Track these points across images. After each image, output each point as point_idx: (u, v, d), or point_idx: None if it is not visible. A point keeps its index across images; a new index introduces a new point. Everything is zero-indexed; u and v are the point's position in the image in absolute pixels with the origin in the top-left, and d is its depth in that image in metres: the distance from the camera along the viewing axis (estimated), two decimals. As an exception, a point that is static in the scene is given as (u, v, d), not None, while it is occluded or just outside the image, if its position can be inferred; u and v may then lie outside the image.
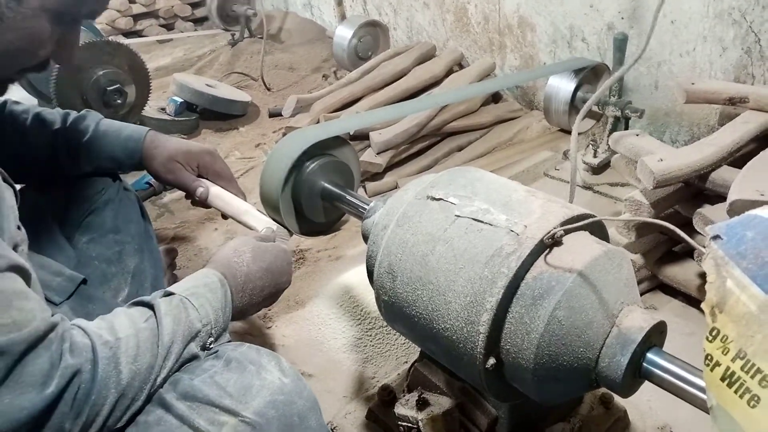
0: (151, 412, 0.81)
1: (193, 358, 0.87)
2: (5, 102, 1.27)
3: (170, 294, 0.90)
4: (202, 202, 1.34)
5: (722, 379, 0.63)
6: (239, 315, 1.02)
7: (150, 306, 0.87)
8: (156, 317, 0.85)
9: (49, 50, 0.92)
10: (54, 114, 1.31)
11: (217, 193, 1.33)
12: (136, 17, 4.04)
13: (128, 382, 0.78)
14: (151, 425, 0.79)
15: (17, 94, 3.06)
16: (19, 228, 0.91)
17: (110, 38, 2.20)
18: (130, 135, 1.32)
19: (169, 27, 4.21)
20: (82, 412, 0.73)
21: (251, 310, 1.05)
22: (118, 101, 2.13)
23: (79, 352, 0.75)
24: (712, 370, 0.64)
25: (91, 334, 0.78)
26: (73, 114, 1.33)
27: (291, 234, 1.28)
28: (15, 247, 0.86)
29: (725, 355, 0.63)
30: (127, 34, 3.97)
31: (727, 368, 0.63)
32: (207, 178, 1.35)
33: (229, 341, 0.95)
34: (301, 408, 0.85)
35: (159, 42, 3.86)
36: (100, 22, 3.86)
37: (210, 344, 0.90)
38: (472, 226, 0.96)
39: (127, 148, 1.32)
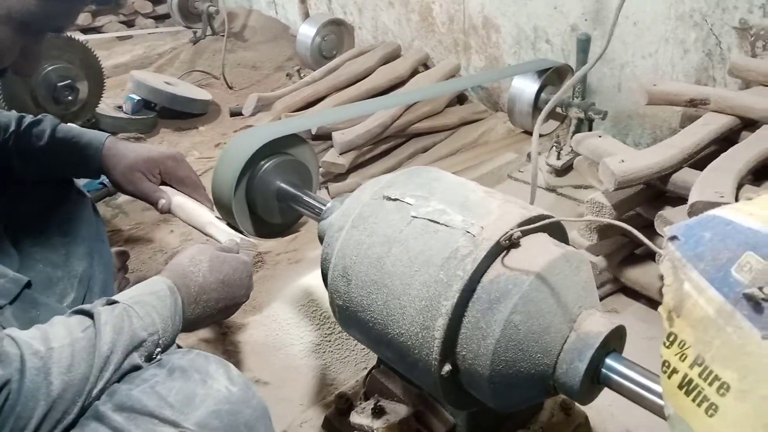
0: (85, 425, 0.76)
1: (136, 368, 0.83)
2: None
3: (114, 302, 0.86)
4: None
5: (680, 387, 0.61)
6: (191, 326, 0.98)
7: (90, 315, 0.83)
8: (95, 326, 0.81)
9: (10, 60, 0.89)
10: (9, 116, 1.26)
11: (179, 203, 1.27)
12: (95, 13, 3.93)
13: (59, 394, 0.73)
14: None
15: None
16: None
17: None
18: (88, 142, 1.27)
19: (129, 24, 4.12)
20: (5, 424, 0.69)
21: (204, 322, 1.01)
22: (69, 98, 2.05)
23: (8, 362, 0.71)
24: (669, 377, 0.62)
25: (20, 344, 0.74)
26: (29, 117, 1.27)
27: (256, 246, 1.22)
28: None
29: (683, 361, 0.61)
30: (86, 30, 3.87)
31: (685, 375, 0.61)
32: (170, 185, 1.29)
33: (179, 348, 0.90)
34: (249, 417, 0.81)
35: (119, 39, 3.77)
36: (57, 18, 3.75)
37: (156, 354, 0.86)
38: (428, 227, 0.92)
39: (85, 157, 1.27)
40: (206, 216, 1.26)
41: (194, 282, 0.97)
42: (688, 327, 0.61)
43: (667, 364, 0.62)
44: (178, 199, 1.28)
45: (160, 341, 0.86)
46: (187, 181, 1.30)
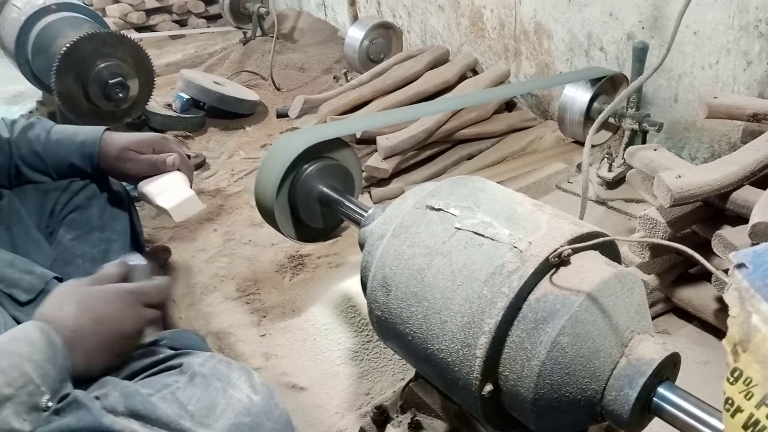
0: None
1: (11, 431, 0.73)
2: None
3: None
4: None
5: (744, 428, 0.56)
6: (85, 373, 0.86)
7: None
8: None
9: None
10: (1, 123, 1.27)
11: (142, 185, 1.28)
12: (149, 12, 4.02)
13: None
14: None
15: (22, 86, 3.05)
16: None
17: (116, 30, 2.15)
18: (84, 140, 1.27)
19: (182, 23, 4.19)
20: None
21: (97, 364, 0.88)
22: (120, 95, 2.08)
23: None
24: (732, 416, 0.57)
25: None
26: (21, 122, 1.28)
27: (151, 267, 1.08)
28: None
29: (748, 400, 0.56)
30: (140, 28, 3.95)
31: (750, 415, 0.56)
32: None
33: (202, 352, 0.88)
34: (270, 431, 0.79)
35: (171, 38, 3.84)
36: (113, 16, 3.84)
37: (47, 402, 0.77)
38: (472, 240, 0.89)
39: (83, 154, 1.27)
40: (152, 193, 1.25)
41: (65, 326, 0.85)
42: (755, 363, 0.56)
43: (730, 401, 0.57)
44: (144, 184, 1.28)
45: (43, 388, 0.77)
46: (181, 158, 1.31)
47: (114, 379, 0.83)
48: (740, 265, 0.59)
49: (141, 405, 0.75)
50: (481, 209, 0.93)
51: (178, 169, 1.30)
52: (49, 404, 0.76)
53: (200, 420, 0.75)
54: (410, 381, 1.14)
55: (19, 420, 0.73)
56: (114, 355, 0.90)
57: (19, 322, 0.86)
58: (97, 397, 0.77)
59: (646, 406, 0.80)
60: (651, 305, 1.45)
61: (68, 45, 1.99)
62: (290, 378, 1.45)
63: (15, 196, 1.23)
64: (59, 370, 0.80)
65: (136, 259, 1.04)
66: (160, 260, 1.72)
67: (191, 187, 1.32)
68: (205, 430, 0.74)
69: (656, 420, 0.82)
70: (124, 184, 1.41)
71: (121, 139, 1.28)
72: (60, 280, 1.12)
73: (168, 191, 1.21)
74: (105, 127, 1.30)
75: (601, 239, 0.84)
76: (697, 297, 1.43)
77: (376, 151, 2.18)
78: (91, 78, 2.03)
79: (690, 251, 0.72)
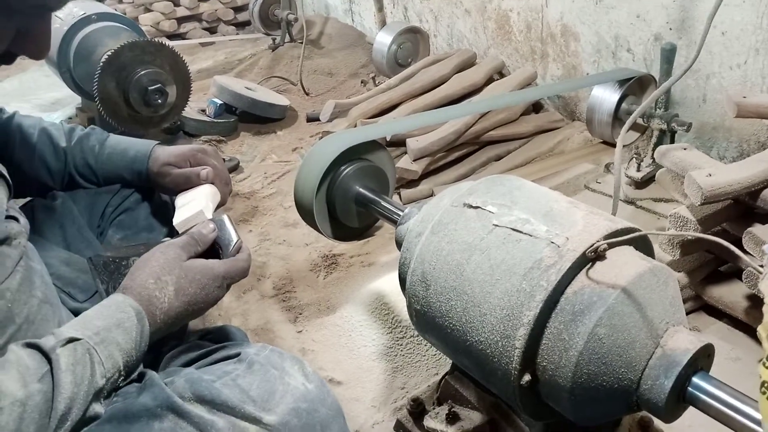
0: (162, 417, 0.77)
1: (95, 418, 0.77)
2: (14, 113, 1.27)
3: (75, 339, 0.79)
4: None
5: (779, 410, 0.59)
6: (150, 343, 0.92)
7: (48, 357, 0.75)
8: (53, 374, 0.74)
9: (5, 44, 0.86)
10: (59, 130, 1.30)
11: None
12: (180, 20, 4.11)
13: None
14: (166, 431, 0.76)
15: (59, 93, 3.14)
16: (16, 220, 0.88)
17: (153, 39, 2.22)
18: (135, 156, 1.30)
19: (212, 30, 4.28)
20: None
21: (164, 336, 0.95)
22: (159, 101, 2.15)
23: None
24: None
25: None
26: (78, 131, 1.31)
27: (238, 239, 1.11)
28: (6, 240, 0.84)
29: (783, 383, 0.59)
30: (171, 36, 4.04)
31: (785, 398, 0.59)
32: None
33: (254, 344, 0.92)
34: (324, 417, 0.83)
35: (201, 45, 3.92)
36: (145, 24, 3.94)
37: (120, 384, 0.83)
38: (510, 236, 0.92)
39: (133, 170, 1.30)
40: (192, 199, 1.22)
41: (159, 309, 0.90)
42: (788, 348, 0.59)
43: (766, 384, 0.60)
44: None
45: (121, 378, 0.83)
46: (216, 171, 1.30)
47: (177, 368, 0.88)
48: (773, 256, 0.62)
49: (207, 390, 0.79)
50: (518, 206, 0.97)
51: (212, 182, 1.32)
52: (121, 385, 0.82)
53: (262, 405, 0.79)
54: (446, 374, 1.18)
55: (102, 407, 0.79)
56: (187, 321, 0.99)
57: (77, 314, 0.91)
58: (164, 383, 0.82)
59: (681, 396, 0.82)
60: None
61: (110, 53, 2.07)
62: (327, 372, 1.49)
63: (68, 197, 1.28)
64: (140, 356, 0.86)
65: (223, 217, 1.10)
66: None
67: (228, 196, 1.34)
68: (267, 414, 0.78)
69: (689, 413, 0.84)
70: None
71: (163, 153, 1.30)
72: None
73: (189, 204, 1.24)
74: (156, 142, 1.33)
75: (636, 234, 0.87)
76: (728, 294, 1.45)
77: (406, 153, 2.22)
78: (132, 85, 2.11)
79: (725, 243, 0.75)
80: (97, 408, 0.77)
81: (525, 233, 0.91)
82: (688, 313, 1.52)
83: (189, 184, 1.27)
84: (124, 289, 0.91)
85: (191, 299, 0.93)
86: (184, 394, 0.79)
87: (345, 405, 1.41)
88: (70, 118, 2.84)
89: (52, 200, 1.27)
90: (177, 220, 1.13)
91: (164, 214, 1.40)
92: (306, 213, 1.44)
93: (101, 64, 2.06)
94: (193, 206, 1.17)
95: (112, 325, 0.83)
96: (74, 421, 0.73)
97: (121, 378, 0.83)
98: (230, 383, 0.81)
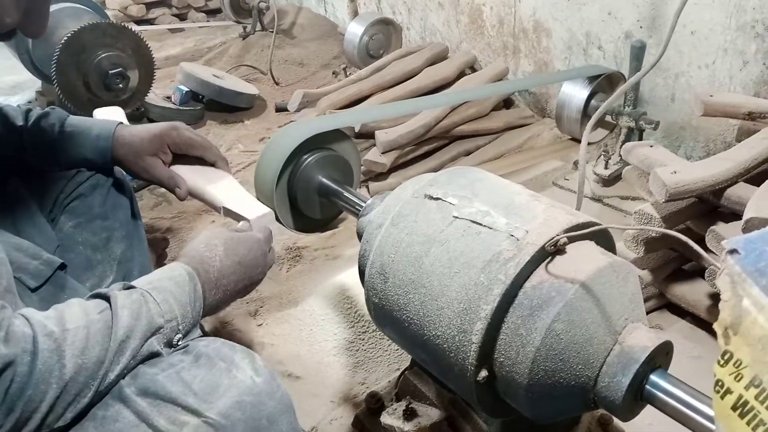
0: (109, 406, 0.77)
1: (155, 355, 0.82)
2: None
3: (130, 287, 0.85)
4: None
5: (733, 408, 0.57)
6: (212, 311, 0.98)
7: (107, 298, 0.82)
8: (112, 310, 0.80)
9: (14, 19, 0.88)
10: (16, 110, 1.25)
11: (195, 188, 1.28)
12: (149, 5, 4.03)
13: (72, 377, 0.72)
14: (109, 420, 0.74)
15: (20, 76, 3.05)
16: None
17: (116, 22, 2.15)
18: (99, 134, 1.26)
19: (181, 17, 4.20)
20: (15, 407, 0.68)
21: (224, 305, 1.01)
22: (120, 85, 2.09)
23: (16, 342, 0.69)
24: (722, 397, 0.58)
25: (34, 324, 0.72)
26: (36, 111, 1.27)
27: (272, 213, 1.23)
28: None
29: (738, 381, 0.57)
30: (139, 21, 3.96)
31: (740, 396, 0.57)
32: (183, 153, 1.30)
33: (202, 336, 0.89)
34: (272, 410, 0.80)
35: (170, 31, 3.84)
36: (112, 8, 3.84)
37: (178, 341, 0.85)
38: (470, 229, 0.90)
39: (97, 148, 1.26)
40: (220, 194, 1.27)
41: (213, 267, 0.97)
42: (745, 346, 0.57)
43: (720, 383, 0.58)
44: (193, 184, 1.28)
45: (180, 327, 0.86)
46: (195, 144, 1.30)
47: None
48: (732, 251, 0.61)
49: (150, 383, 0.78)
50: (479, 199, 0.94)
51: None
52: (180, 344, 0.85)
53: (204, 397, 0.77)
54: (405, 370, 1.15)
55: (160, 346, 0.83)
56: (241, 296, 1.04)
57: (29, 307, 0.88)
58: None
59: (639, 394, 0.81)
60: (645, 301, 1.46)
61: (69, 35, 2.00)
62: (286, 367, 1.46)
63: (20, 181, 1.23)
64: (194, 316, 0.90)
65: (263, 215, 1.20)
66: (158, 250, 1.73)
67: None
68: (208, 406, 0.76)
69: (650, 411, 0.83)
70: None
71: (135, 140, 1.26)
72: (65, 266, 1.12)
73: (236, 195, 1.29)
74: (118, 122, 1.29)
75: (596, 228, 0.85)
76: (691, 293, 1.45)
77: (374, 145, 2.19)
78: (92, 68, 2.04)
79: (686, 239, 0.73)
80: (157, 346, 0.82)
81: (485, 225, 0.89)
82: (651, 311, 1.52)
83: (169, 186, 1.28)
84: (177, 258, 0.98)
85: (242, 259, 1.01)
86: (127, 386, 0.78)
87: (303, 400, 1.37)
88: (29, 102, 2.75)
89: (2, 184, 1.21)
90: (252, 215, 1.19)
91: (119, 201, 1.35)
92: (266, 203, 1.40)
93: (60, 46, 1.99)
94: (258, 205, 1.24)
95: (164, 278, 0.89)
96: (134, 349, 0.79)
97: (180, 329, 0.86)
98: (174, 376, 0.78)
